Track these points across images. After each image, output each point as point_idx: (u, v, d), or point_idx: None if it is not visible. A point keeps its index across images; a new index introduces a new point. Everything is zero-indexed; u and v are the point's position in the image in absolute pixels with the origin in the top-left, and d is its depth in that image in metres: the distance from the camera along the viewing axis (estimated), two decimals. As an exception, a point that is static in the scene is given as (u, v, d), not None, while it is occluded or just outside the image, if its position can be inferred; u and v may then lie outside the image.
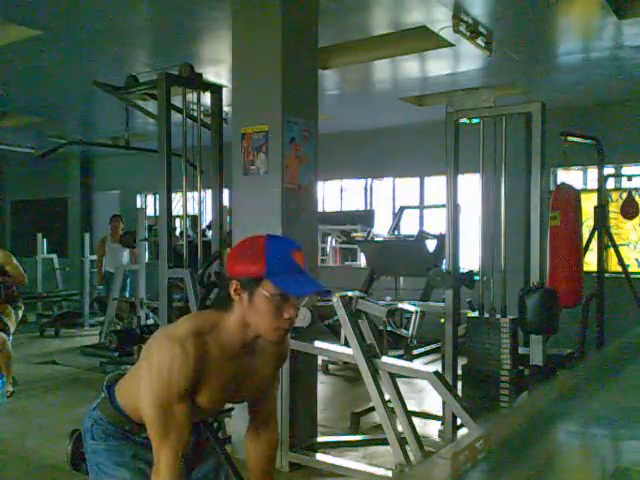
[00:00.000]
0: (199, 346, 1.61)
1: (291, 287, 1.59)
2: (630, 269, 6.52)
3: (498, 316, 3.89)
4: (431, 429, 4.54)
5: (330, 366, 6.55)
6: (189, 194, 4.43)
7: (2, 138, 9.79)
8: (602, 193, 6.02)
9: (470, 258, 5.76)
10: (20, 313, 6.04)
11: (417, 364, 4.89)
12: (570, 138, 5.52)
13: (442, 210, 4.65)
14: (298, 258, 1.63)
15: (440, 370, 3.67)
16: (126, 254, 8.78)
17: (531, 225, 3.80)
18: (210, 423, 2.11)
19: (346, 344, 3.50)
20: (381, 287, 6.94)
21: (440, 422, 4.36)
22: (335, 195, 9.82)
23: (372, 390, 3.34)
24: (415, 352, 6.39)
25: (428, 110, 7.41)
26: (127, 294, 8.51)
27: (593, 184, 7.09)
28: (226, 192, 5.48)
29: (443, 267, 4.68)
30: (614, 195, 7.22)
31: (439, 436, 4.32)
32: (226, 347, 1.67)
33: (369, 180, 9.49)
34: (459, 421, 3.67)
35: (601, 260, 5.97)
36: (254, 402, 1.93)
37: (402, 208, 8.59)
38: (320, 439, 4.12)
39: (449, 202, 4.13)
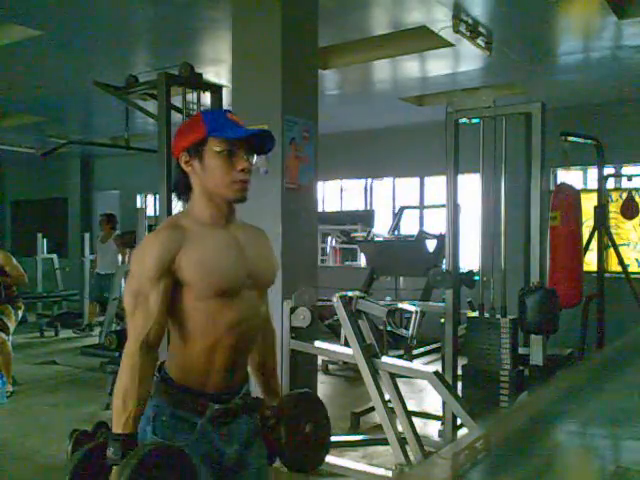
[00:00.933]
0: (169, 226, 1.65)
1: (231, 132, 1.64)
2: (630, 269, 6.52)
3: (498, 316, 3.90)
4: (431, 429, 4.54)
5: (330, 366, 6.55)
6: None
7: (2, 138, 9.79)
8: (602, 193, 6.02)
9: (470, 258, 5.76)
10: (20, 313, 6.04)
11: (417, 364, 4.88)
12: (570, 138, 5.52)
13: (442, 210, 4.65)
14: (234, 118, 1.70)
15: (440, 370, 3.67)
16: (117, 255, 8.49)
17: (531, 225, 3.81)
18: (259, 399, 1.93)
19: (346, 344, 3.50)
20: (381, 287, 6.95)
21: (440, 422, 4.36)
22: (335, 195, 9.82)
23: (372, 390, 3.34)
24: (415, 352, 6.39)
25: (428, 110, 7.41)
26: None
27: (593, 184, 7.09)
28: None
29: (443, 267, 4.69)
30: (614, 195, 7.22)
31: (439, 436, 4.32)
32: (203, 220, 1.68)
33: (369, 180, 9.49)
34: (459, 421, 3.67)
35: (601, 260, 5.97)
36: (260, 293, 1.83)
37: (402, 208, 8.59)
38: (320, 439, 4.11)
39: (449, 202, 4.13)
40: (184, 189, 1.72)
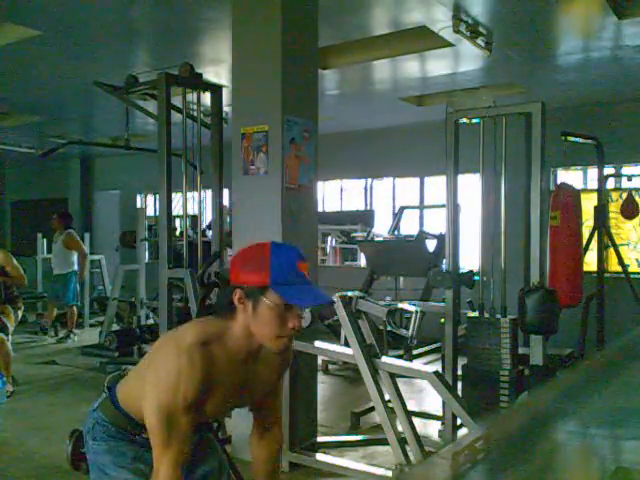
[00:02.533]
0: (205, 357, 1.61)
1: (295, 297, 1.59)
2: (630, 269, 6.52)
3: (498, 316, 3.90)
4: (431, 429, 4.54)
5: (330, 366, 6.55)
6: (189, 194, 4.43)
7: (2, 138, 9.78)
8: (602, 193, 6.02)
9: (470, 258, 5.76)
10: (20, 313, 6.05)
11: (417, 364, 4.88)
12: (570, 138, 5.52)
13: (442, 210, 4.65)
14: (302, 268, 1.62)
15: (440, 370, 3.67)
16: (71, 255, 8.25)
17: (531, 225, 3.81)
18: (210, 423, 2.10)
19: (346, 344, 3.50)
20: (381, 287, 6.95)
21: (440, 422, 4.36)
22: (335, 195, 9.82)
23: (372, 390, 3.34)
24: (415, 352, 6.38)
25: (428, 110, 7.41)
26: (70, 301, 8.16)
27: (593, 184, 7.09)
28: (226, 192, 5.48)
29: (443, 267, 4.69)
30: (614, 195, 7.22)
31: (439, 436, 4.32)
32: (232, 356, 1.67)
33: (369, 180, 9.49)
34: (459, 421, 3.67)
35: (601, 260, 5.97)
36: (258, 407, 1.93)
37: (402, 208, 8.59)
38: (320, 439, 4.12)
39: (449, 202, 4.13)
40: (226, 314, 1.69)
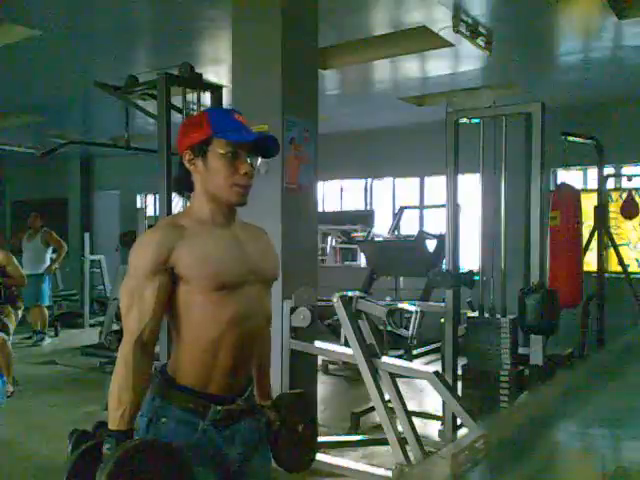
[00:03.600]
0: (165, 224, 1.67)
1: (237, 135, 1.64)
2: (630, 269, 6.52)
3: (498, 316, 3.90)
4: (431, 429, 4.54)
5: (330, 366, 6.55)
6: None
7: (2, 138, 9.78)
8: (602, 193, 6.02)
9: (470, 258, 5.76)
10: (20, 313, 6.05)
11: (417, 364, 4.89)
12: (570, 138, 5.52)
13: (442, 210, 4.65)
14: (240, 118, 1.68)
15: (440, 370, 3.67)
16: (46, 253, 8.08)
17: (531, 225, 3.81)
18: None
19: (346, 344, 3.50)
20: (381, 287, 6.95)
21: (440, 422, 4.36)
22: (335, 195, 9.82)
23: (372, 390, 3.34)
24: (415, 352, 6.39)
25: (428, 110, 7.41)
26: (45, 302, 8.00)
27: (593, 184, 7.08)
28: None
29: (443, 267, 4.69)
30: (614, 195, 7.22)
31: (439, 436, 4.32)
32: (202, 218, 1.67)
33: (369, 180, 9.49)
34: (459, 421, 3.67)
35: (601, 260, 5.97)
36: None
37: (402, 208, 8.59)
38: (320, 439, 4.11)
39: (449, 202, 4.13)
40: (186, 186, 1.72)
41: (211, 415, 1.65)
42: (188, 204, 1.75)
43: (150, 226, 8.01)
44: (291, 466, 1.95)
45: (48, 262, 8.12)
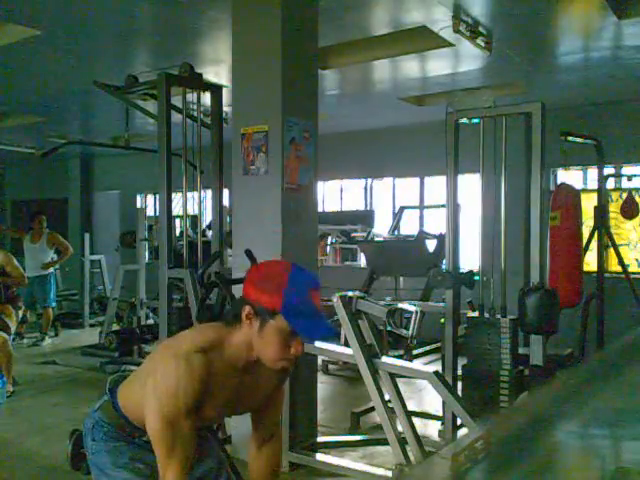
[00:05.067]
0: (204, 364, 1.63)
1: (304, 330, 1.62)
2: (630, 269, 6.52)
3: (498, 316, 3.90)
4: (431, 429, 4.54)
5: (330, 366, 6.55)
6: (189, 194, 4.43)
7: (2, 138, 9.78)
8: (602, 193, 6.02)
9: (470, 258, 5.76)
10: (20, 313, 6.05)
11: (417, 364, 4.88)
12: (570, 138, 5.52)
13: (442, 210, 4.65)
14: (315, 298, 1.63)
15: (440, 370, 3.67)
16: (50, 255, 8.11)
17: (531, 225, 3.81)
18: (210, 425, 2.10)
19: (346, 344, 3.50)
20: (381, 287, 6.95)
21: (440, 422, 4.36)
22: (335, 195, 9.82)
23: (372, 390, 3.34)
24: (415, 352, 6.39)
25: (428, 110, 7.41)
26: (52, 303, 8.04)
27: (593, 184, 7.08)
28: (226, 192, 5.48)
29: (443, 267, 4.69)
30: (614, 195, 7.22)
31: (439, 436, 4.32)
32: (229, 364, 1.69)
33: (369, 180, 9.49)
34: (459, 421, 3.67)
35: (601, 260, 5.97)
36: (257, 414, 1.94)
37: (402, 208, 8.59)
38: (320, 439, 4.12)
39: (449, 202, 4.13)
40: (230, 322, 1.70)
41: (146, 437, 1.78)
42: (222, 333, 1.72)
43: (150, 226, 8.05)
44: None
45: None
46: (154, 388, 1.63)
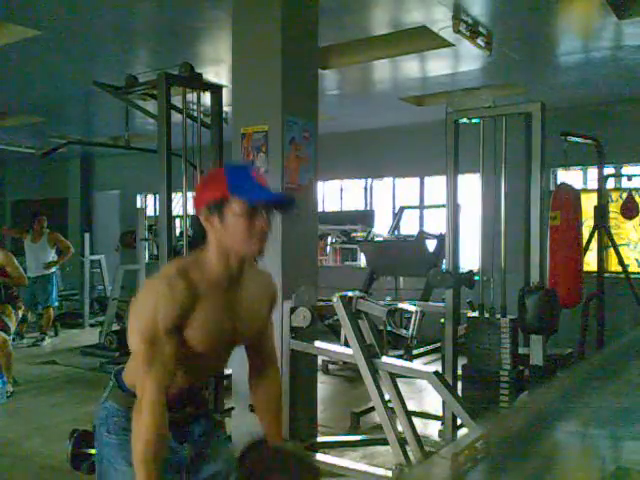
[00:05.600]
0: (184, 281, 1.65)
1: (254, 197, 1.65)
2: (630, 269, 6.52)
3: (498, 316, 3.90)
4: (431, 429, 4.54)
5: (330, 366, 6.55)
6: (189, 194, 4.43)
7: (2, 138, 9.78)
8: (602, 193, 6.02)
9: (470, 258, 5.76)
10: (20, 313, 6.05)
11: (417, 364, 4.88)
12: (570, 138, 5.51)
13: (442, 210, 4.65)
14: (259, 176, 1.70)
15: (440, 370, 3.67)
16: (51, 255, 8.13)
17: (531, 225, 3.81)
18: (215, 420, 2.07)
19: (346, 344, 3.50)
20: (381, 287, 6.95)
21: (440, 422, 4.36)
22: (335, 195, 9.82)
23: (372, 390, 3.34)
24: (415, 352, 6.38)
25: (428, 110, 7.41)
26: (54, 303, 8.07)
27: (593, 184, 7.08)
28: (226, 192, 5.47)
29: (443, 267, 4.69)
30: (614, 195, 7.22)
31: (439, 436, 4.32)
32: (212, 279, 1.69)
33: (369, 180, 9.49)
34: (459, 421, 3.67)
35: (601, 260, 5.97)
36: (252, 344, 1.94)
37: (402, 208, 8.59)
38: (320, 439, 4.11)
39: (449, 202, 4.13)
40: (203, 242, 1.73)
41: None
42: (200, 254, 1.75)
43: (150, 226, 8.05)
44: None
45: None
46: (135, 310, 1.66)
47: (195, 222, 1.75)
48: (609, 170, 6.86)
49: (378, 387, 3.34)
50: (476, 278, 4.14)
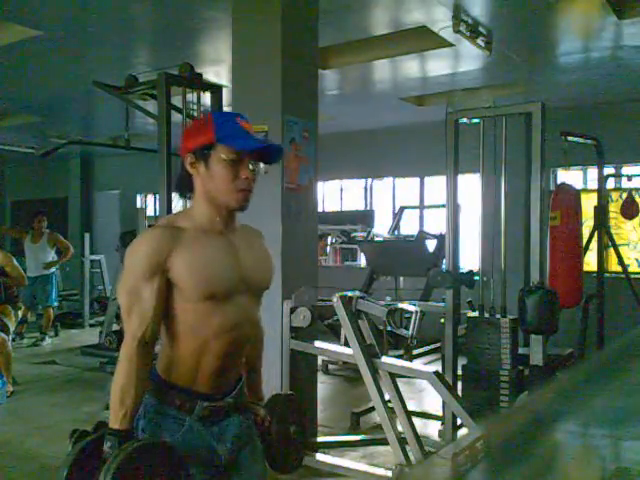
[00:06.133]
0: (165, 227, 1.65)
1: (241, 143, 1.63)
2: (630, 269, 6.52)
3: (498, 316, 3.90)
4: (431, 429, 4.54)
5: (330, 366, 6.55)
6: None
7: (2, 138, 9.78)
8: (602, 193, 6.02)
9: (470, 258, 5.76)
10: (20, 313, 6.05)
11: (417, 364, 4.88)
12: (570, 138, 5.51)
13: (442, 210, 4.65)
14: (245, 125, 1.67)
15: (440, 370, 3.67)
16: (51, 255, 8.12)
17: (531, 225, 3.81)
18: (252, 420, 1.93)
19: (346, 344, 3.50)
20: (381, 287, 6.95)
21: (440, 422, 4.36)
22: (335, 195, 9.82)
23: (372, 390, 3.34)
24: (415, 352, 6.39)
25: (428, 110, 7.41)
26: (53, 303, 8.04)
27: (593, 184, 7.08)
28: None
29: (443, 267, 4.69)
30: (614, 195, 7.22)
31: (439, 436, 4.32)
32: (204, 224, 1.67)
33: (369, 180, 9.49)
34: (459, 421, 3.67)
35: (601, 260, 5.97)
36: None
37: (402, 208, 8.59)
38: (320, 439, 4.11)
39: (449, 202, 4.13)
40: (187, 188, 1.72)
41: (197, 411, 1.68)
42: (188, 205, 1.76)
43: (150, 226, 8.02)
44: (279, 466, 1.97)
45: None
46: (123, 267, 1.67)
47: (180, 168, 1.73)
48: (609, 170, 6.86)
49: (378, 387, 3.34)
50: (476, 278, 4.14)
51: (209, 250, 1.66)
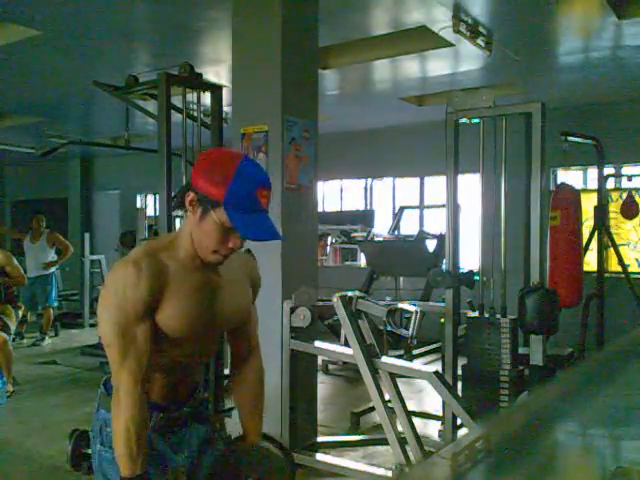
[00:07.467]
0: (153, 263, 1.57)
1: (242, 227, 1.54)
2: (630, 269, 6.52)
3: (498, 316, 3.90)
4: (431, 429, 4.54)
5: (330, 366, 6.55)
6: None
7: (2, 138, 9.78)
8: (602, 193, 6.02)
9: (470, 258, 5.76)
10: (20, 313, 6.05)
11: (417, 364, 4.89)
12: (570, 138, 5.52)
13: (442, 210, 4.65)
14: (263, 197, 1.55)
15: (440, 370, 3.67)
16: (51, 255, 8.08)
17: (531, 225, 3.81)
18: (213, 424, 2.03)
19: (346, 344, 3.50)
20: (381, 287, 6.95)
21: (440, 422, 4.36)
22: (335, 195, 9.82)
23: (372, 390, 3.34)
24: (415, 352, 6.39)
25: (428, 110, 7.41)
26: (53, 303, 8.08)
27: (593, 184, 7.09)
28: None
29: (443, 267, 4.69)
30: (614, 195, 7.22)
31: (439, 436, 4.32)
32: (184, 263, 1.62)
33: (369, 180, 9.49)
34: (459, 421, 3.67)
35: (601, 260, 5.97)
36: (236, 330, 1.85)
37: (402, 208, 8.59)
38: (320, 439, 4.12)
39: (449, 202, 4.13)
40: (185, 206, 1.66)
41: (152, 422, 1.68)
42: (169, 236, 1.70)
43: (150, 226, 8.04)
44: None
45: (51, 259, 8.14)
46: (103, 297, 1.58)
47: (183, 188, 1.62)
48: (609, 170, 6.86)
49: (378, 387, 3.34)
50: (476, 278, 4.14)
51: (190, 295, 1.62)
